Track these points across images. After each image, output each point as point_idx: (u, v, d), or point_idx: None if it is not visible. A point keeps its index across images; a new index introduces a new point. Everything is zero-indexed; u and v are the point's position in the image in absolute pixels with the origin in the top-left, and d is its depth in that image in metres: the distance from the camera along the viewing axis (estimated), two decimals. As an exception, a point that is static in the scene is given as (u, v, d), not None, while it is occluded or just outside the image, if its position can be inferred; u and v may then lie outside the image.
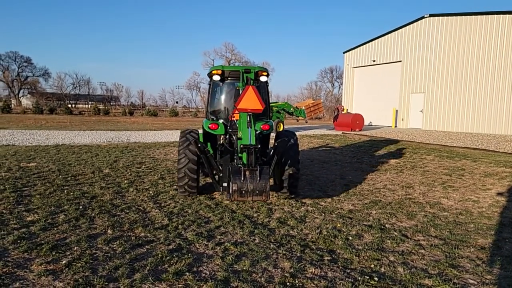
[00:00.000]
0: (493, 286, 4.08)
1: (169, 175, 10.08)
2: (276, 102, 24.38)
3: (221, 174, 6.49)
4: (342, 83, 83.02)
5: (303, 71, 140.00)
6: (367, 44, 31.53)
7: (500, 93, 23.29)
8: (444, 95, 26.14)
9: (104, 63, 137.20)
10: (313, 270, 4.33)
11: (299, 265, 4.46)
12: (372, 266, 4.54)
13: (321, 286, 3.96)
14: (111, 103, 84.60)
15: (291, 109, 23.41)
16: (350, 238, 5.52)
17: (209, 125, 7.25)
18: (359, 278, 4.18)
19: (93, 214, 6.33)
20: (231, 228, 5.79)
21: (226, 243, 5.11)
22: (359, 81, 32.47)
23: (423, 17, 27.60)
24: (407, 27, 28.56)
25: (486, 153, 14.66)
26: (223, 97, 8.03)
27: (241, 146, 5.88)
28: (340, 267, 4.47)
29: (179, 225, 5.86)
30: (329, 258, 4.76)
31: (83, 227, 5.66)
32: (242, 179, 5.53)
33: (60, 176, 9.38)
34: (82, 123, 30.62)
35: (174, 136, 20.54)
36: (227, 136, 7.41)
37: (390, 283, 4.09)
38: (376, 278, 4.17)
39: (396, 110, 28.77)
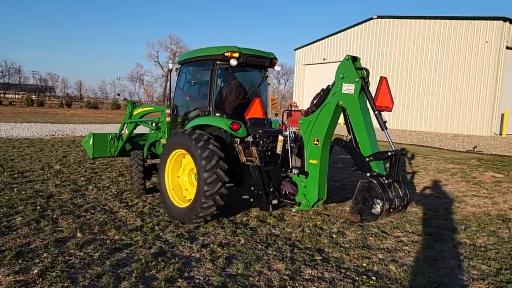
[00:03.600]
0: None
1: (128, 171, 9.49)
2: None
3: (271, 189, 5.29)
4: (288, 80, 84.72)
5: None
6: (318, 42, 32.13)
7: (440, 93, 24.80)
8: (394, 94, 27.29)
9: (38, 51, 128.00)
10: (310, 271, 4.21)
11: (293, 266, 4.31)
12: (364, 264, 4.51)
13: (322, 288, 3.84)
14: (46, 94, 79.23)
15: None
16: (334, 236, 5.47)
17: (231, 125, 5.49)
18: (357, 278, 4.12)
19: (54, 216, 5.73)
20: (212, 228, 5.50)
21: (211, 245, 4.83)
22: (310, 79, 33.03)
23: (371, 18, 28.61)
24: (356, 27, 29.48)
25: (433, 150, 15.49)
26: (235, 88, 6.05)
27: (375, 153, 4.43)
28: (334, 267, 4.38)
29: (155, 226, 5.47)
30: (320, 257, 4.66)
31: (47, 230, 5.09)
32: (393, 194, 4.28)
33: (5, 173, 8.48)
34: (16, 115, 28.28)
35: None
36: (284, 140, 5.35)
37: (387, 282, 4.07)
38: (373, 278, 4.13)
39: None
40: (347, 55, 4.65)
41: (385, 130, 4.48)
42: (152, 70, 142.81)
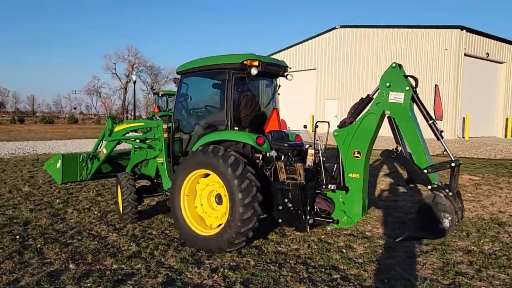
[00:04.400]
0: None
1: (106, 190, 8.91)
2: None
3: (308, 207, 4.89)
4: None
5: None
6: (283, 52, 32.39)
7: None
8: (355, 101, 27.88)
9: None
10: (335, 292, 3.96)
11: (316, 288, 4.04)
12: (386, 281, 4.32)
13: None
14: (-5, 110, 74.96)
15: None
16: (344, 250, 5.26)
17: (257, 139, 5.04)
18: (385, 296, 3.91)
19: (38, 245, 5.17)
20: (215, 249, 5.12)
21: (221, 269, 4.48)
22: (276, 88, 33.21)
23: (334, 28, 29.20)
24: (320, 36, 29.98)
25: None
26: (251, 100, 5.62)
27: (433, 164, 4.33)
28: (357, 286, 4.16)
29: (154, 251, 5.04)
30: (338, 276, 4.42)
31: (34, 263, 4.54)
32: (458, 205, 4.16)
33: (-31, 198, 7.69)
34: (-33, 132, 26.37)
35: (87, 145, 18.54)
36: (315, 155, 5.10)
37: (416, 298, 3.89)
38: (401, 295, 3.94)
39: (313, 115, 29.97)
40: (394, 63, 4.51)
41: (441, 139, 4.36)
42: (110, 82, 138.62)
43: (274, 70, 5.60)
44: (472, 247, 5.49)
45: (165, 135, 5.89)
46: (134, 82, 38.18)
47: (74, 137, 25.75)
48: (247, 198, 4.58)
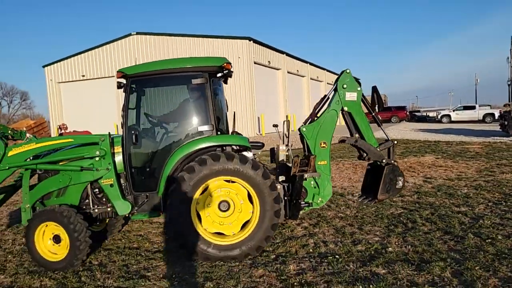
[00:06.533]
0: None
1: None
2: None
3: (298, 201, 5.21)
4: (12, 102, 71.47)
5: None
6: (73, 58, 29.36)
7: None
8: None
9: None
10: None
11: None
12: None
13: None
14: None
15: (9, 131, 18.88)
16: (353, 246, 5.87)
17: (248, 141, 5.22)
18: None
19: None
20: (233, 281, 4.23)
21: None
22: (68, 97, 29.73)
23: (130, 34, 28.54)
24: (116, 42, 28.74)
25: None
26: (219, 103, 5.49)
27: (381, 143, 5.40)
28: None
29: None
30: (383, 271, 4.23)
31: None
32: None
33: None
34: None
35: None
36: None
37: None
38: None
39: (117, 125, 28.48)
40: (348, 69, 5.34)
41: (381, 126, 5.64)
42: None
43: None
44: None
45: (116, 149, 5.09)
46: None
47: None
48: (276, 207, 4.77)
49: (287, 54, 32.46)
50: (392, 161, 5.46)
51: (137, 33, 28.50)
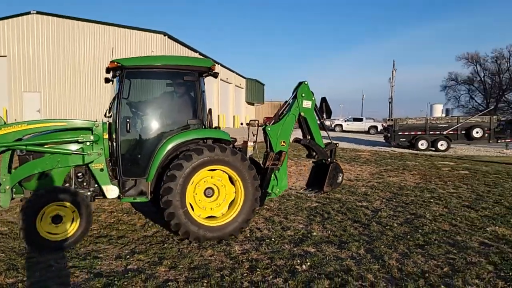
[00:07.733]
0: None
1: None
2: None
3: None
4: None
5: None
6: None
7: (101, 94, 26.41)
8: (62, 94, 26.29)
9: None
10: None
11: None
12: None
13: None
14: None
15: None
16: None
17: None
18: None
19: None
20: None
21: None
22: None
23: (29, 13, 26.08)
24: (12, 19, 25.97)
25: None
26: (203, 100, 5.82)
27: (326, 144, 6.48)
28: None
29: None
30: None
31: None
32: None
33: None
34: None
35: None
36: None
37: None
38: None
39: (7, 110, 25.75)
40: (306, 81, 6.35)
41: (326, 131, 6.65)
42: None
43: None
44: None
45: (106, 136, 5.32)
46: None
47: None
48: (256, 183, 5.57)
49: (200, 54, 32.76)
50: (334, 160, 6.50)
51: (38, 12, 26.17)
